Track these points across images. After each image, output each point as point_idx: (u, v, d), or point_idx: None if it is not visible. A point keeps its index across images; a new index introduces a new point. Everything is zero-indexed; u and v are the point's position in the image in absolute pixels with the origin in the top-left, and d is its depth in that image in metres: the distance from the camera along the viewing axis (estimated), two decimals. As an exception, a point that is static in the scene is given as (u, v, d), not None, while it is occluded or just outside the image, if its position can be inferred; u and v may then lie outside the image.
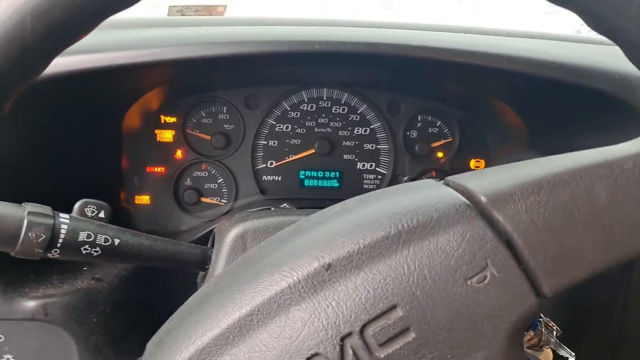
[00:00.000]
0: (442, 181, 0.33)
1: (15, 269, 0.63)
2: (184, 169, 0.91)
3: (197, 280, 0.66)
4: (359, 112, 0.94)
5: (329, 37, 0.63)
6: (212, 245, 0.63)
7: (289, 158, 0.93)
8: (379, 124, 0.94)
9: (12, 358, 0.61)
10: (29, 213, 0.46)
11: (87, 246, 0.49)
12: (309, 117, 0.93)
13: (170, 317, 0.32)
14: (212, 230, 0.70)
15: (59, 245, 0.48)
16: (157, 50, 0.65)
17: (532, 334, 0.49)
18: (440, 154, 0.95)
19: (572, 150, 0.31)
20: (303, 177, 0.94)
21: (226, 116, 0.91)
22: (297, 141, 0.93)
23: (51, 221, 0.47)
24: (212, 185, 0.92)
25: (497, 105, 0.89)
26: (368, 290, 0.27)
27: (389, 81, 0.91)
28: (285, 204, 0.69)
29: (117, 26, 0.74)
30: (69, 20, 0.31)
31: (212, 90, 0.89)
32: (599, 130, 0.70)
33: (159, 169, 0.89)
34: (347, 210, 0.32)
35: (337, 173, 0.95)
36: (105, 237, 0.50)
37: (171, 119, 0.89)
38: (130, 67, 0.65)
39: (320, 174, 0.95)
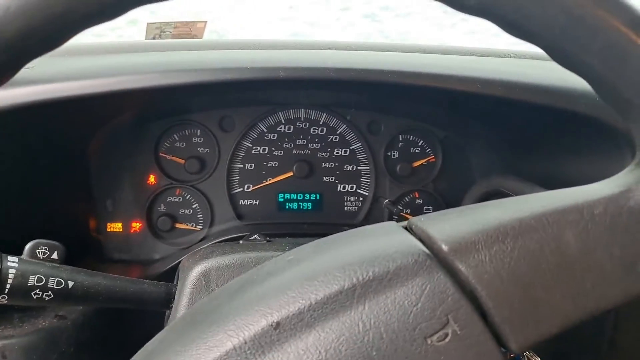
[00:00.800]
0: (405, 223, 0.31)
1: (-28, 308, 0.60)
2: (157, 194, 0.88)
3: (165, 318, 0.63)
4: (338, 132, 0.92)
5: (297, 63, 0.61)
6: (177, 282, 0.61)
7: (266, 181, 0.91)
8: (359, 144, 0.92)
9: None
10: None
11: (37, 290, 0.46)
12: (286, 139, 0.91)
13: None
14: None
15: (6, 290, 0.45)
16: (123, 79, 0.63)
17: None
18: (422, 174, 0.93)
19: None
20: (282, 199, 0.92)
21: (200, 139, 0.89)
22: (275, 164, 0.91)
23: None
24: (186, 211, 0.89)
25: (478, 125, 0.87)
26: (320, 352, 0.25)
27: (368, 102, 0.89)
28: (256, 235, 0.66)
29: (80, 52, 0.72)
30: (43, 28, 0.28)
31: (185, 113, 0.87)
32: (581, 151, 0.68)
33: (130, 196, 0.86)
34: (300, 259, 0.30)
35: (317, 195, 0.93)
36: (57, 280, 0.47)
37: (142, 144, 0.86)
38: (96, 96, 0.63)
39: (300, 196, 0.92)
